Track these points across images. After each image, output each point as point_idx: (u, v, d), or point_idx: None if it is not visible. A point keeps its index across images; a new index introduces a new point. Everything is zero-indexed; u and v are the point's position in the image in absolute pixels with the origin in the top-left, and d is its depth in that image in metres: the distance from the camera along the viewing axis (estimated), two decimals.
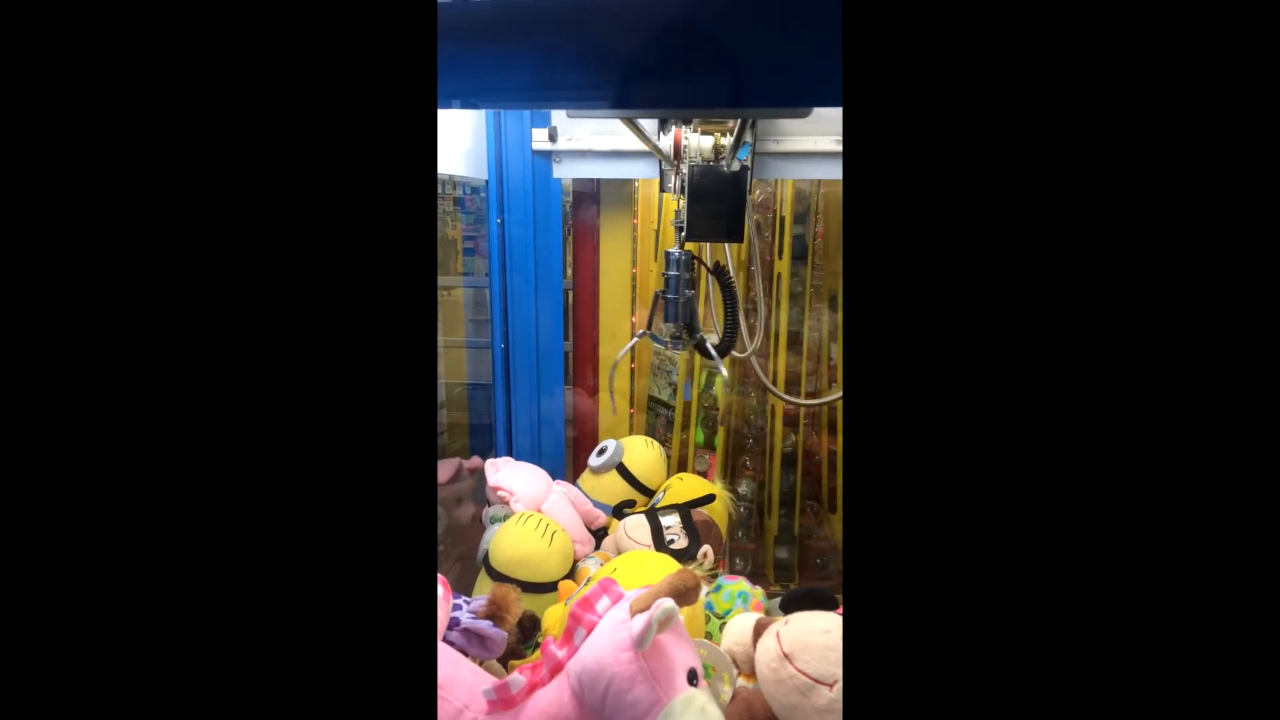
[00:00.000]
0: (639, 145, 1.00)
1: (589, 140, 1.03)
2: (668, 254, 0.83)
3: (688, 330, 0.85)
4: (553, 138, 1.04)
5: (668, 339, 0.86)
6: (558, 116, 1.03)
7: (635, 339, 0.92)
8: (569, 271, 1.18)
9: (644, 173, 1.05)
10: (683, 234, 0.84)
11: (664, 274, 0.83)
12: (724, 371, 0.88)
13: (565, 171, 1.08)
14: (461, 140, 1.02)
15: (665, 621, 0.55)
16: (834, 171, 1.02)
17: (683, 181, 0.83)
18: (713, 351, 0.86)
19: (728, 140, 0.84)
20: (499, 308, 1.14)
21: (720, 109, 0.67)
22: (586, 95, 0.50)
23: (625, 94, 0.44)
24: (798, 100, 0.49)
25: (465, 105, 0.89)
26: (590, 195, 1.15)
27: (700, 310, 1.12)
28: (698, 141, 0.85)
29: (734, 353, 0.95)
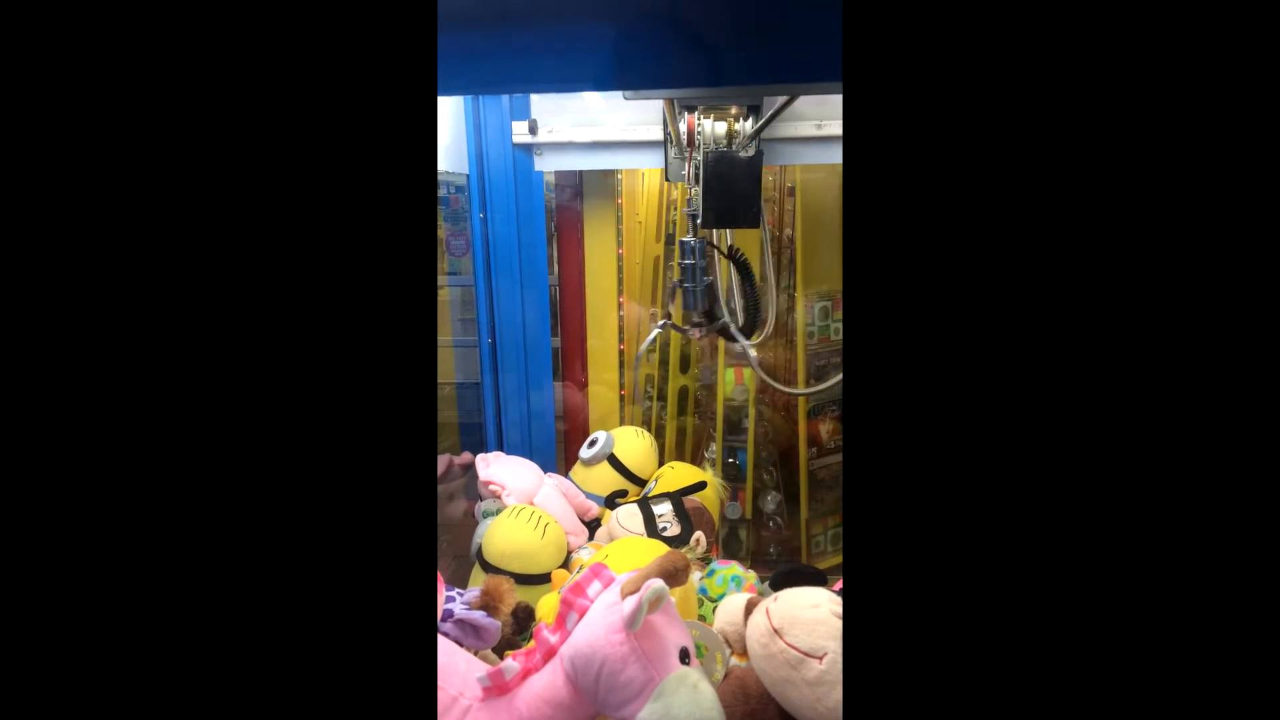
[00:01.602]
0: (621, 136, 1.00)
1: (569, 132, 1.03)
2: (682, 243, 0.81)
3: (708, 316, 0.84)
4: (533, 130, 1.03)
5: (688, 327, 0.84)
6: (537, 108, 1.03)
7: (657, 329, 0.90)
8: (555, 267, 1.18)
9: (626, 163, 1.05)
10: (698, 221, 0.83)
11: (680, 263, 0.81)
12: (751, 352, 0.86)
13: (546, 164, 1.07)
14: (441, 135, 1.02)
15: (656, 602, 0.56)
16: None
17: (696, 168, 0.82)
18: (737, 334, 0.84)
19: (740, 126, 0.83)
20: (484, 304, 1.14)
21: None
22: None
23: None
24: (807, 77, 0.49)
25: (468, 92, 0.87)
26: (573, 189, 1.15)
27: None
28: (711, 127, 0.83)
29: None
